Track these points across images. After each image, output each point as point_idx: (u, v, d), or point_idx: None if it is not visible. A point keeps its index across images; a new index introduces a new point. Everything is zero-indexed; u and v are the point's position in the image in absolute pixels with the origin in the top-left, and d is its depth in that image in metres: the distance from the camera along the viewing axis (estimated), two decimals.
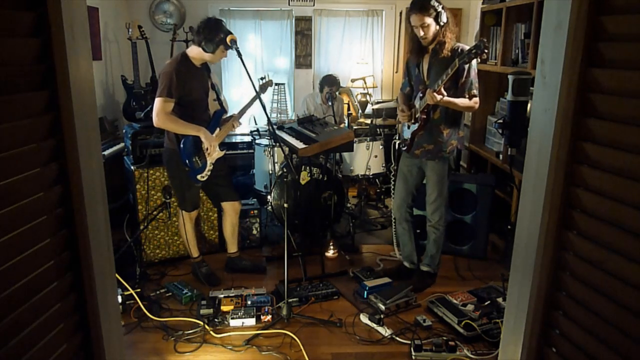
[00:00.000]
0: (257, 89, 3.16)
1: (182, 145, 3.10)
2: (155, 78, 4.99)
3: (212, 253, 3.79)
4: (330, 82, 4.69)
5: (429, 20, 2.87)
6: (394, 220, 3.74)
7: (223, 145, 3.27)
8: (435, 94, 2.83)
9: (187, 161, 3.12)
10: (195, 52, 3.06)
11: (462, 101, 2.96)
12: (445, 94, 2.86)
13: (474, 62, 2.93)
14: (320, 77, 4.94)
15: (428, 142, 3.11)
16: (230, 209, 3.43)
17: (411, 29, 2.99)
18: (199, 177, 3.19)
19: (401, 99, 3.28)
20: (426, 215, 3.30)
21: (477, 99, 3.00)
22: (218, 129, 3.25)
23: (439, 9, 2.86)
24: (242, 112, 3.38)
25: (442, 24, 2.89)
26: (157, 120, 2.97)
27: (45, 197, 1.17)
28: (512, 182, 3.46)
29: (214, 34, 2.96)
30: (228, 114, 3.44)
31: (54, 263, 1.21)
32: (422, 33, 2.92)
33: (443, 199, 3.19)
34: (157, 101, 2.96)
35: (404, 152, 3.27)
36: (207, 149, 3.12)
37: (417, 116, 3.10)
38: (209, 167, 3.20)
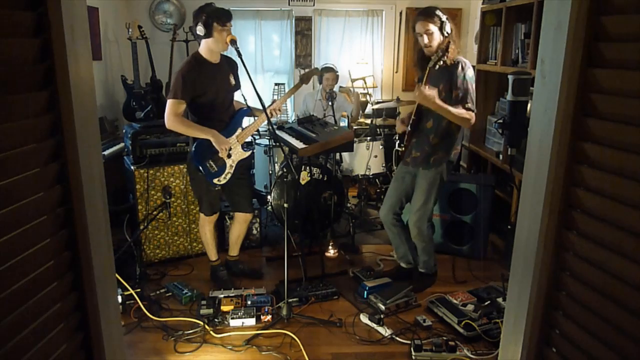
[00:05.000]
0: (256, 90, 3.13)
1: (193, 149, 3.00)
2: (155, 78, 5.00)
3: None
4: (326, 69, 4.65)
5: (434, 28, 2.86)
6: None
7: (249, 146, 3.11)
8: (421, 88, 2.80)
9: (199, 166, 2.99)
10: (203, 47, 2.94)
11: (454, 109, 2.86)
12: (430, 91, 2.82)
13: (470, 73, 2.91)
14: (321, 77, 4.91)
15: (416, 149, 3.10)
16: (240, 218, 3.36)
17: (416, 39, 2.97)
18: (215, 180, 3.04)
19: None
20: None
21: (472, 113, 2.90)
22: (240, 128, 3.12)
23: (444, 18, 2.86)
24: (285, 99, 3.26)
25: (446, 34, 2.87)
26: (167, 122, 2.91)
27: (45, 197, 1.17)
28: (512, 182, 3.46)
29: (201, 13, 2.82)
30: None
31: (54, 263, 1.20)
32: (426, 40, 2.89)
33: (427, 210, 3.12)
34: (168, 103, 2.90)
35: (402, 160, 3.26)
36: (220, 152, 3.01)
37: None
38: (228, 170, 3.06)
